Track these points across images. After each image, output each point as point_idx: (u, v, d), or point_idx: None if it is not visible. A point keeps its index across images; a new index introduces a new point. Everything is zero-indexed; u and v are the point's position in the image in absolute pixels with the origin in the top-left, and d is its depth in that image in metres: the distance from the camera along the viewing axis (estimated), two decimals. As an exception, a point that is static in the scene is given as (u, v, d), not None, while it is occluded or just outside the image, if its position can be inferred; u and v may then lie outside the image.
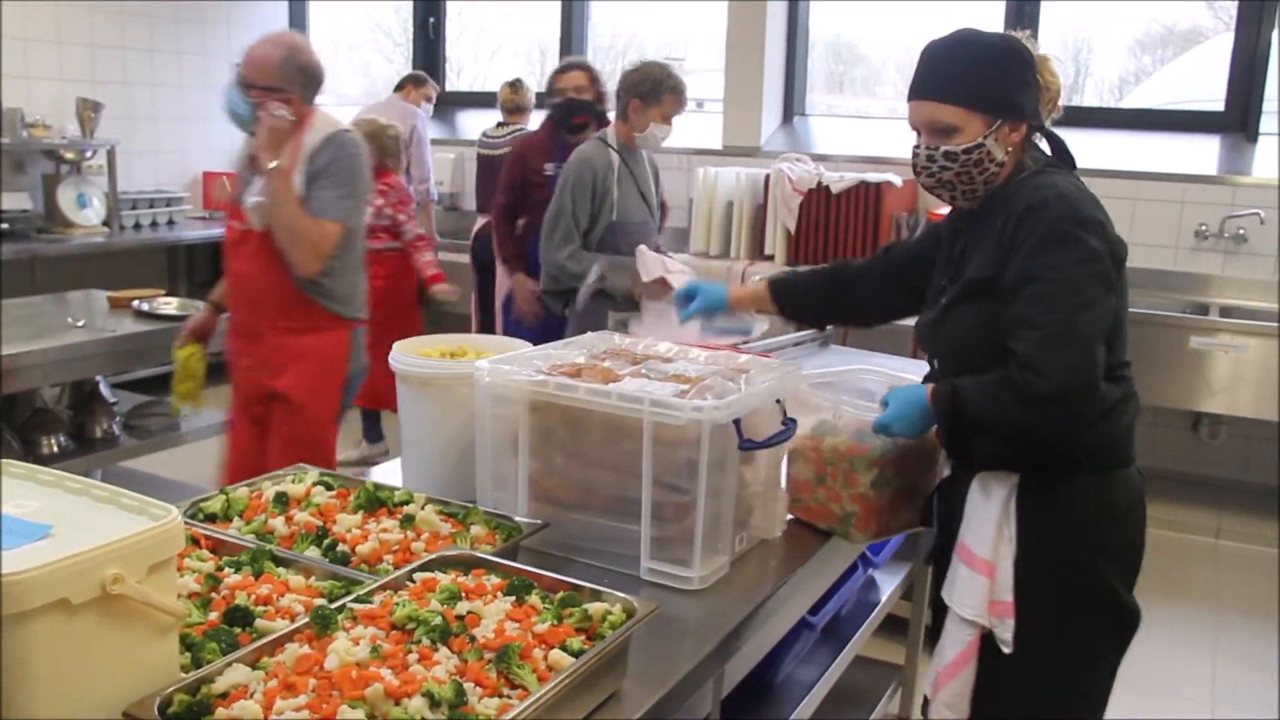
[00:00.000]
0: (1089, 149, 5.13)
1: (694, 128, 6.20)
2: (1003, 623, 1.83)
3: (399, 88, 6.04)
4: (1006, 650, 1.83)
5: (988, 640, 1.87)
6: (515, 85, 5.57)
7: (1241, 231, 4.79)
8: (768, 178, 5.09)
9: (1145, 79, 5.83)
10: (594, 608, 1.43)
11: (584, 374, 1.82)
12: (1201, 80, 5.50)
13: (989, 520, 1.85)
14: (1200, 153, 5.09)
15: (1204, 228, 4.86)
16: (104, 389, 4.11)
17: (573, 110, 4.36)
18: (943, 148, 1.83)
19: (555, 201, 3.77)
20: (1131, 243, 5.06)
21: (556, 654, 1.32)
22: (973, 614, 1.85)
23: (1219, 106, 5.19)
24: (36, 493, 1.33)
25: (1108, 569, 1.85)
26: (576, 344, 2.09)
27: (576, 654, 1.33)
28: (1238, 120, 5.10)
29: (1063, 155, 1.90)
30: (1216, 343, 4.35)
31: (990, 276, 1.81)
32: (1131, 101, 5.72)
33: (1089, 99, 5.76)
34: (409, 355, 2.08)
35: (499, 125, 5.62)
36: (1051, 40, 5.49)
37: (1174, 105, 5.57)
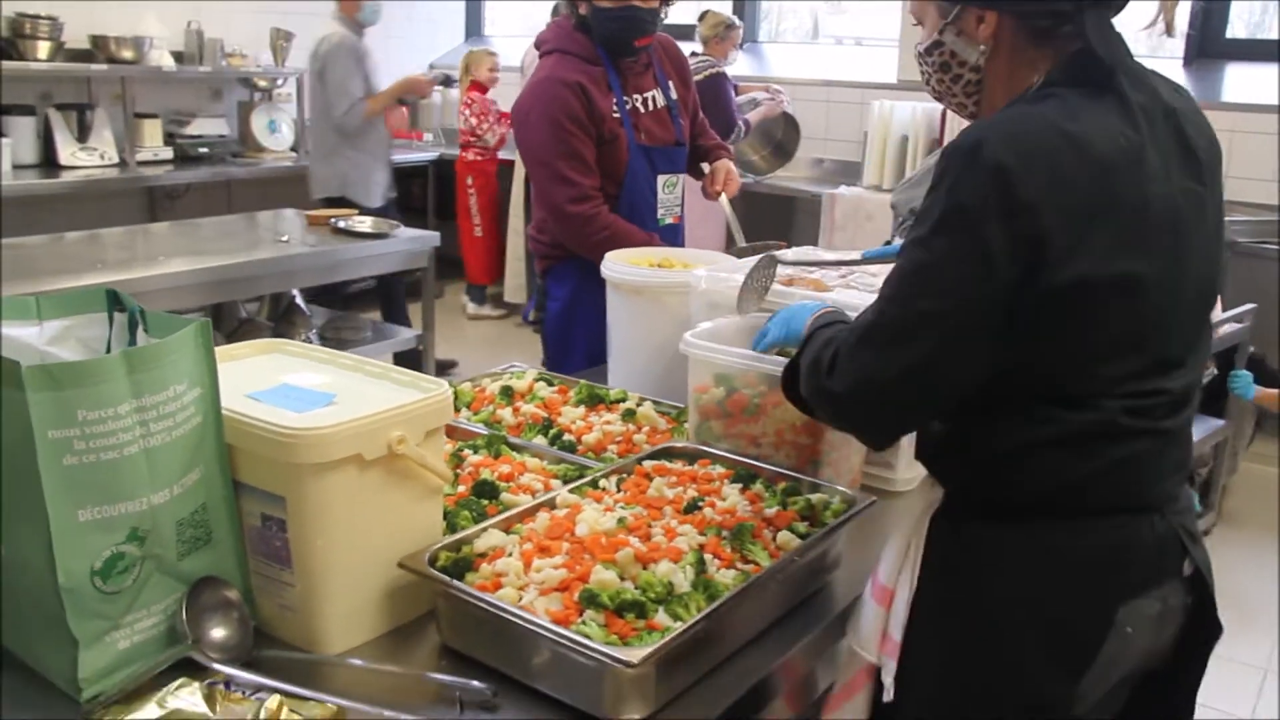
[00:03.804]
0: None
1: (867, 62, 6.13)
2: (889, 663, 1.38)
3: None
4: (887, 697, 1.38)
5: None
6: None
7: None
8: (944, 113, 5.03)
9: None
10: (816, 497, 1.51)
11: (795, 283, 1.88)
12: None
13: (899, 539, 1.41)
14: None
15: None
16: (299, 302, 4.37)
17: None
18: (918, 47, 1.40)
19: None
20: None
21: (785, 535, 1.40)
22: (859, 645, 1.42)
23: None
24: (314, 368, 1.48)
25: (1023, 637, 1.27)
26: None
27: (803, 536, 1.41)
28: None
29: (1089, 67, 1.25)
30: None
31: None
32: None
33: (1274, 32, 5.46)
34: (623, 264, 2.18)
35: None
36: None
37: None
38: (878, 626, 1.40)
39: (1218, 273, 1.34)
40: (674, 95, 2.84)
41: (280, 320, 4.29)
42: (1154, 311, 1.23)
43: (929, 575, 1.35)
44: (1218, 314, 3.39)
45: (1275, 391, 3.67)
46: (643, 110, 2.75)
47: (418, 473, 1.31)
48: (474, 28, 7.88)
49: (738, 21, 5.72)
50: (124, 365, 1.14)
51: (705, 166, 2.93)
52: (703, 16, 5.61)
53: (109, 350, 1.38)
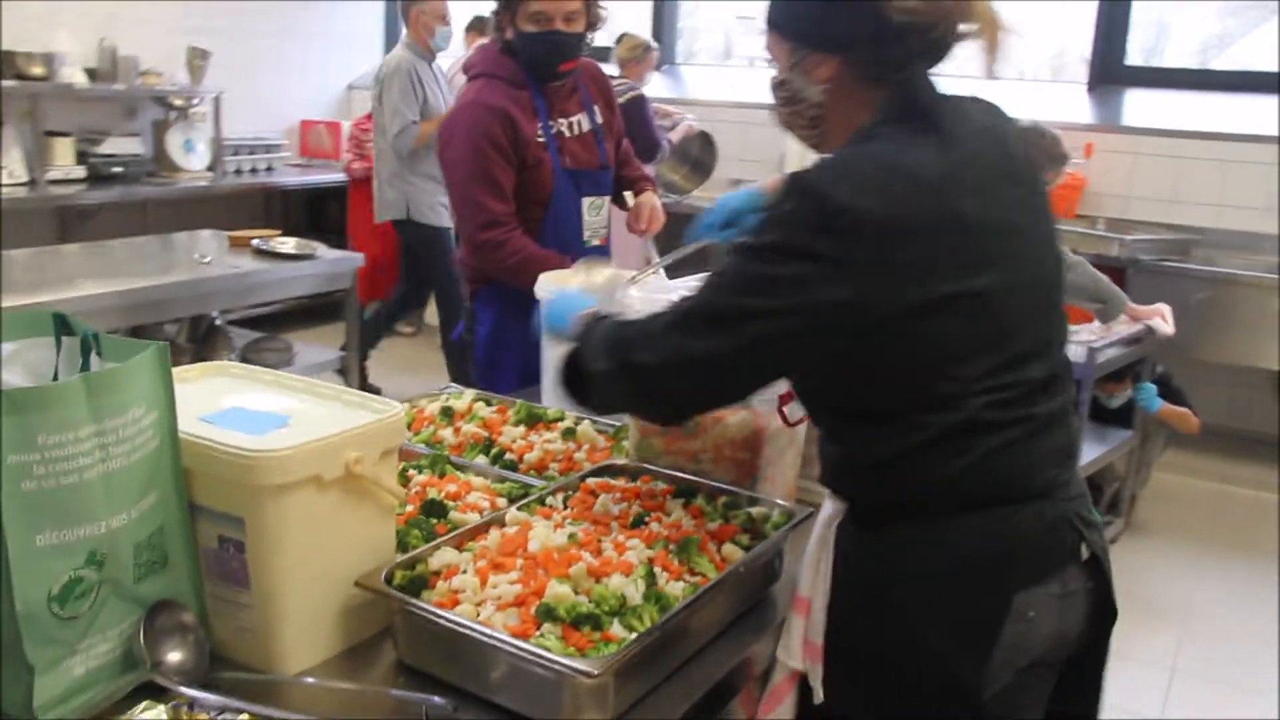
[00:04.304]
0: (1182, 110, 5.17)
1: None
2: (814, 667, 1.46)
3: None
4: (817, 700, 1.47)
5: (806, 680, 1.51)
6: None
7: (1335, 194, 4.78)
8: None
9: (1232, 42, 5.80)
10: (756, 510, 1.56)
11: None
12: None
13: (811, 554, 1.49)
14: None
15: (1296, 190, 4.85)
16: (220, 323, 4.32)
17: None
18: (770, 81, 1.52)
19: None
20: (1222, 204, 5.07)
21: (729, 547, 1.46)
22: (785, 655, 1.49)
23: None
24: (263, 390, 1.50)
25: (929, 628, 1.36)
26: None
27: (746, 549, 1.46)
28: (1334, 82, 5.06)
29: (912, 107, 1.38)
30: (1306, 304, 4.38)
31: None
32: (1221, 64, 5.69)
33: (1169, 60, 5.76)
34: (554, 285, 2.21)
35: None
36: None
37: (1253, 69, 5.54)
38: (799, 635, 1.48)
39: (1057, 263, 1.48)
40: (599, 119, 2.89)
41: (201, 343, 4.23)
42: (1001, 314, 1.34)
43: (839, 581, 1.44)
44: (1127, 329, 3.54)
45: (1182, 409, 3.84)
46: (568, 134, 2.79)
47: (373, 492, 1.34)
48: (392, 45, 7.84)
49: (655, 44, 5.81)
50: (85, 389, 1.15)
51: (629, 197, 2.98)
52: (620, 39, 5.68)
53: (56, 375, 1.38)
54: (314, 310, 6.56)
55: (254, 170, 6.61)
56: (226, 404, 1.42)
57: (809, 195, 1.28)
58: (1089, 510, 1.45)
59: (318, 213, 7.01)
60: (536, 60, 2.68)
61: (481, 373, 2.86)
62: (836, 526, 1.45)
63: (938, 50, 1.39)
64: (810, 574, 1.47)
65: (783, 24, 1.46)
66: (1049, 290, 1.45)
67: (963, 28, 1.37)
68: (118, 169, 5.85)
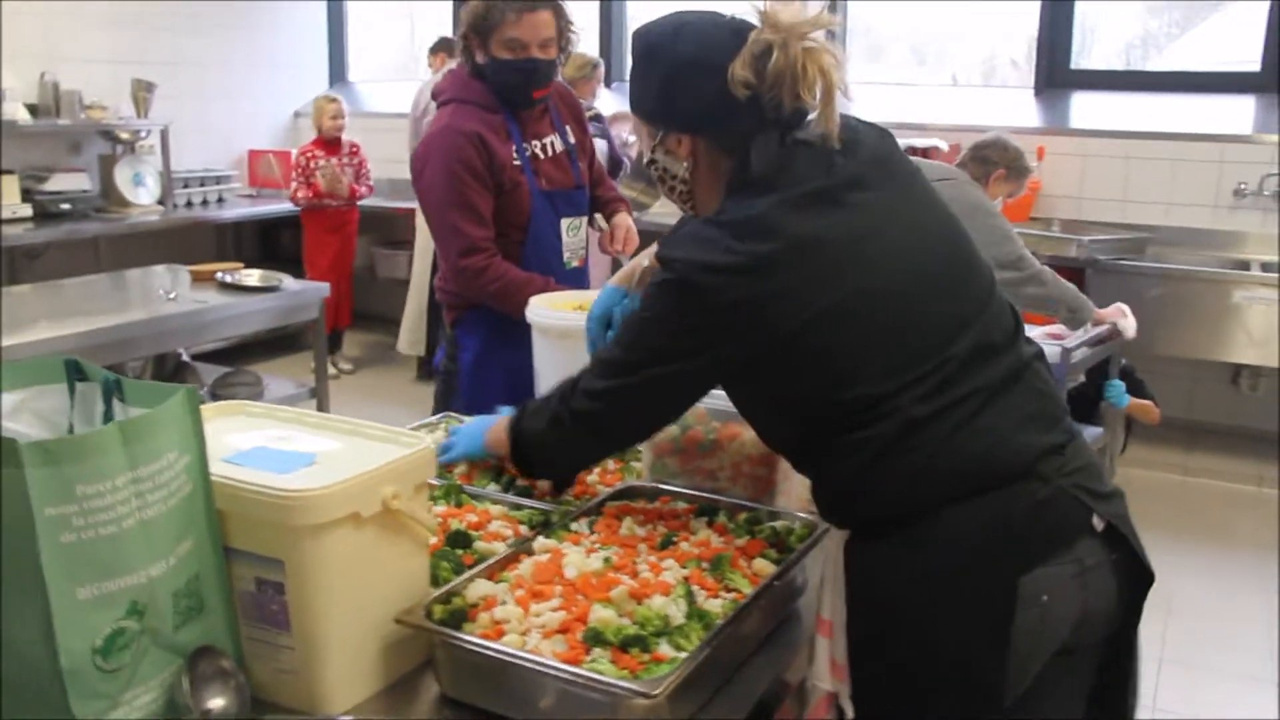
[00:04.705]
0: (1127, 111, 5.29)
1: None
2: (842, 686, 1.50)
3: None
4: (848, 718, 1.50)
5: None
6: None
7: (1280, 189, 4.92)
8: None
9: (1160, 42, 5.95)
10: (779, 525, 1.58)
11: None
12: (1224, 43, 5.65)
13: (826, 575, 1.53)
14: (1236, 113, 5.21)
15: (1243, 186, 4.98)
16: (186, 359, 4.25)
17: None
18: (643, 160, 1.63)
19: None
20: (1172, 203, 5.18)
21: (760, 562, 1.47)
22: (815, 678, 1.54)
23: (1242, 69, 5.34)
24: (282, 428, 1.48)
25: (944, 630, 1.38)
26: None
27: (776, 563, 1.47)
28: (1273, 81, 5.20)
29: (752, 173, 1.46)
30: (1257, 296, 4.50)
31: None
32: (1156, 65, 5.84)
33: (1096, 63, 5.88)
34: (547, 309, 2.22)
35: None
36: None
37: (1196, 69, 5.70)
38: (826, 656, 1.50)
39: (954, 244, 1.50)
40: (572, 140, 2.90)
41: (170, 380, 4.15)
42: (884, 311, 1.39)
43: (852, 598, 1.45)
44: (1094, 329, 3.60)
45: (1146, 402, 3.92)
46: (542, 156, 2.79)
47: (408, 527, 1.33)
48: (338, 74, 7.80)
49: (601, 61, 5.83)
50: (119, 437, 1.13)
51: (600, 219, 2.98)
52: (567, 58, 5.69)
53: (70, 424, 1.35)
54: (273, 342, 6.49)
55: (205, 202, 6.52)
56: (248, 444, 1.41)
57: (667, 285, 1.41)
58: (1098, 481, 1.43)
59: (271, 243, 6.94)
60: (510, 87, 2.68)
61: (467, 400, 2.84)
62: (844, 546, 1.46)
63: (786, 117, 1.46)
64: (830, 595, 1.49)
65: (640, 107, 1.56)
66: (947, 267, 1.47)
67: (805, 94, 1.43)
68: (65, 206, 5.75)
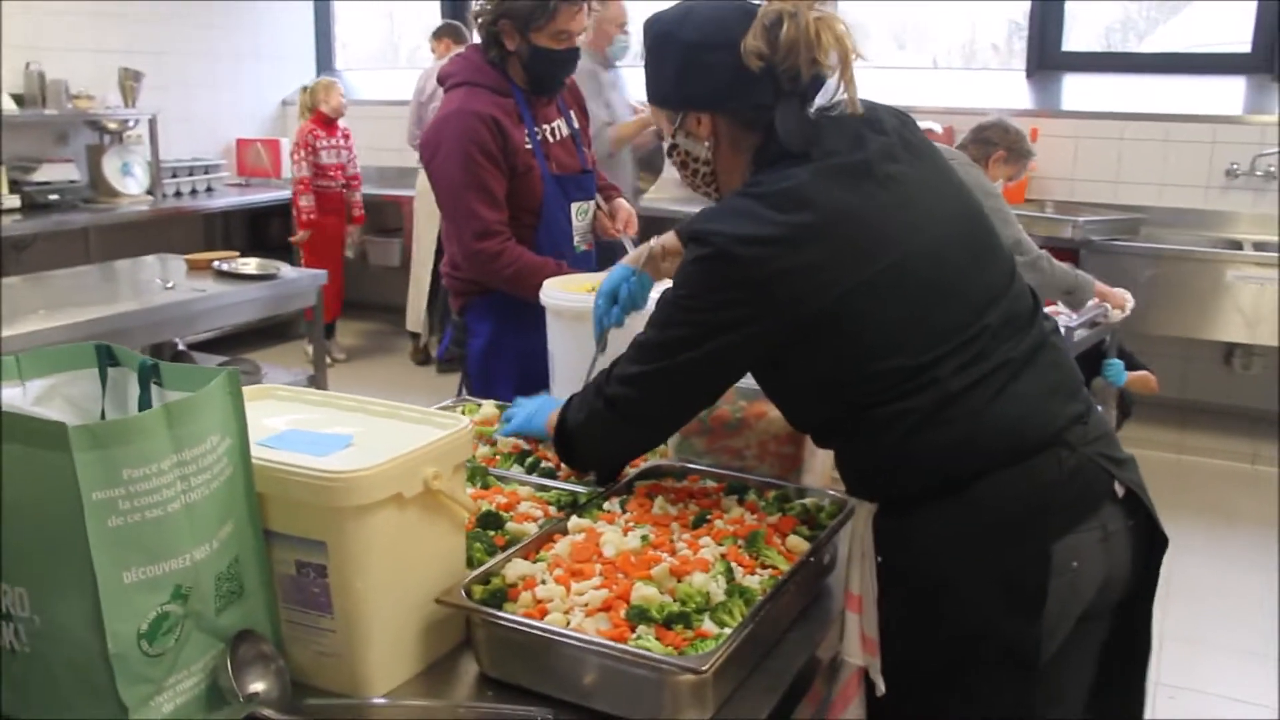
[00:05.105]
0: (1119, 93, 5.31)
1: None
2: (873, 661, 1.50)
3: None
4: (879, 692, 1.50)
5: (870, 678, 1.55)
6: None
7: (1271, 169, 4.94)
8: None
9: (1140, 27, 5.97)
10: (809, 502, 1.58)
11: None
12: (1213, 24, 5.68)
13: (854, 551, 1.52)
14: (1227, 94, 5.24)
15: (1235, 166, 5.01)
16: (184, 349, 4.23)
17: None
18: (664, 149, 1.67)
19: None
20: (1165, 183, 5.19)
21: (793, 539, 1.47)
22: (846, 654, 1.53)
23: (1235, 49, 5.36)
24: (315, 411, 1.48)
25: (979, 599, 1.39)
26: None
27: (809, 539, 1.48)
28: (1264, 62, 5.23)
29: (781, 146, 1.45)
30: (1250, 275, 4.53)
31: None
32: (1146, 47, 5.86)
33: (1076, 45, 5.87)
34: (561, 292, 2.21)
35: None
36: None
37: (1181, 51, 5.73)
38: (856, 631, 1.51)
39: (973, 216, 1.51)
40: (576, 124, 2.89)
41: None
42: (922, 282, 1.40)
43: (884, 571, 1.46)
44: (1091, 310, 3.62)
45: (1143, 373, 3.94)
46: (551, 140, 2.79)
47: (446, 507, 1.33)
48: (325, 61, 7.76)
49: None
50: (165, 420, 1.13)
51: (599, 199, 2.98)
52: None
53: (103, 409, 1.35)
54: (266, 330, 6.46)
55: (194, 192, 6.48)
56: (281, 427, 1.40)
57: (704, 260, 1.40)
58: (1117, 449, 1.48)
59: (260, 232, 6.89)
60: (546, 75, 2.68)
61: (476, 386, 2.84)
62: (872, 521, 1.47)
63: (803, 87, 1.47)
64: (857, 570, 1.50)
65: (657, 94, 1.58)
66: (975, 241, 1.49)
67: (821, 60, 1.44)
68: (53, 196, 5.70)
